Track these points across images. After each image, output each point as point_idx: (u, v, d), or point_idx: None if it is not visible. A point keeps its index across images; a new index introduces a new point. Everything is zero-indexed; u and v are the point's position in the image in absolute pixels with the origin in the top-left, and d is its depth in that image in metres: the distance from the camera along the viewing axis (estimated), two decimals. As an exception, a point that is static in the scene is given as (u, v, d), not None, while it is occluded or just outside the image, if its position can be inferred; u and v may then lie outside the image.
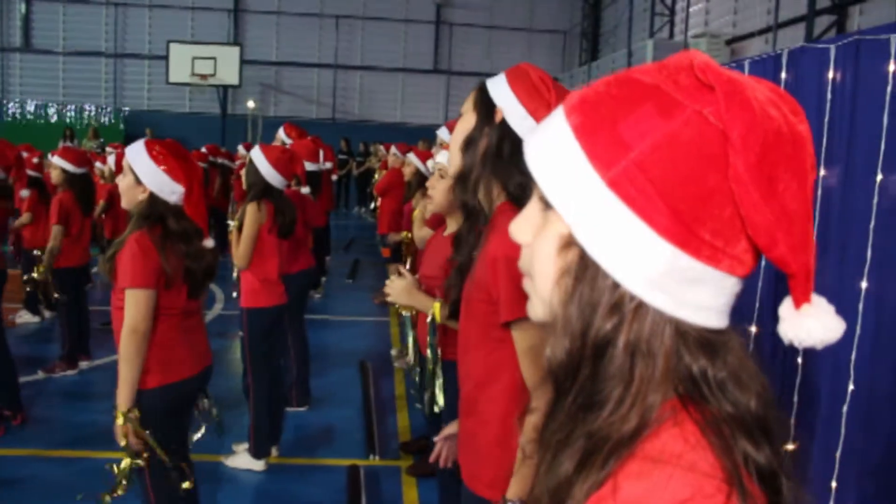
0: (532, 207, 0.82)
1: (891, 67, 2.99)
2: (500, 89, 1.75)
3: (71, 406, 5.16)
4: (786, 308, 0.75)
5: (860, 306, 3.00)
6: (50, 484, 4.00)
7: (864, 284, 2.99)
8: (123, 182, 2.79)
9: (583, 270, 0.73)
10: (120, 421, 2.67)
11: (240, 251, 4.09)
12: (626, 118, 0.72)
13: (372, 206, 8.09)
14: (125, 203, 2.82)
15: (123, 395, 2.67)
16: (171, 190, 2.73)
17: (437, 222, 3.67)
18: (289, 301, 4.45)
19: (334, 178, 10.00)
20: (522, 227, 0.83)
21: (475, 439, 1.80)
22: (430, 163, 4.42)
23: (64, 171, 5.65)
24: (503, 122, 1.72)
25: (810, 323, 0.73)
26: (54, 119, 19.51)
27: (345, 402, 5.38)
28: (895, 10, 9.52)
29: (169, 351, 2.79)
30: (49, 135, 17.41)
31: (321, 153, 6.24)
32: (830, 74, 3.31)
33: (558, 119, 0.77)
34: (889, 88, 2.98)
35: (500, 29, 21.90)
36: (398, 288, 2.52)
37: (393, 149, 8.18)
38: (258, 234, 4.10)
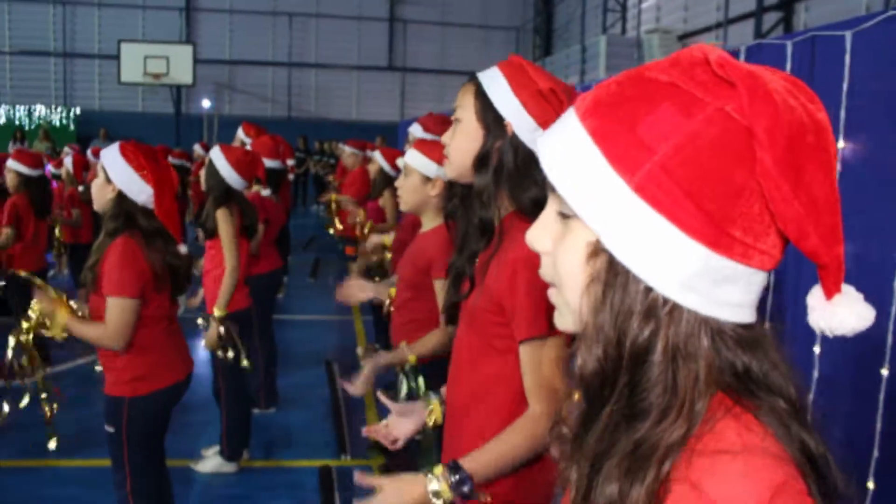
0: (549, 215, 0.81)
1: (846, 63, 3.09)
2: (502, 96, 1.65)
3: (32, 414, 5.05)
4: (815, 298, 0.74)
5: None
6: (12, 495, 3.92)
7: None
8: (96, 183, 2.77)
9: (613, 277, 0.72)
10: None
11: (229, 259, 3.98)
12: (645, 119, 0.70)
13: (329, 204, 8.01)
14: (97, 205, 2.80)
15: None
16: (139, 189, 2.70)
17: (411, 222, 3.67)
18: (256, 302, 4.43)
19: (291, 177, 9.90)
20: (540, 235, 0.82)
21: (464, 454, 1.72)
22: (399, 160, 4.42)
23: (18, 174, 5.55)
24: (513, 135, 1.64)
25: (842, 312, 0.73)
26: (2, 121, 18.96)
27: (312, 403, 5.36)
28: (839, 6, 9.75)
29: (160, 356, 2.80)
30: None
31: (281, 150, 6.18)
32: (788, 70, 3.40)
33: (572, 123, 0.76)
34: (845, 84, 3.07)
35: (453, 26, 21.92)
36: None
37: (348, 148, 7.95)
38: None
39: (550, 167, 0.76)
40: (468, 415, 1.72)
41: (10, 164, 5.61)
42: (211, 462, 4.24)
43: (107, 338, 2.65)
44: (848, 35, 3.09)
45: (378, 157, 5.50)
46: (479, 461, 1.52)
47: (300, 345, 6.70)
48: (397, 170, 4.93)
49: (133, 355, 2.73)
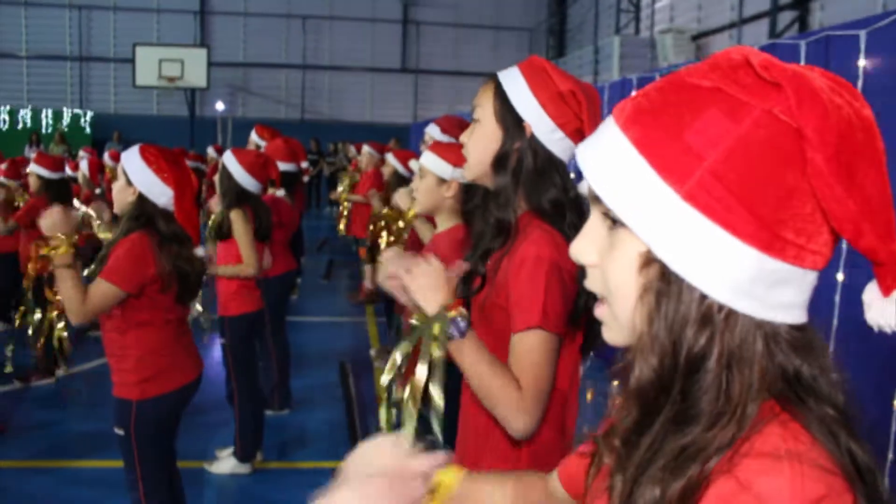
0: (594, 226, 0.80)
1: (861, 62, 3.07)
2: (521, 97, 1.64)
3: (49, 415, 5.10)
4: (871, 295, 0.74)
5: (836, 298, 3.07)
6: (28, 496, 3.94)
7: (839, 276, 3.06)
8: (116, 185, 2.78)
9: (666, 286, 0.72)
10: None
11: (246, 258, 4.02)
12: (691, 126, 0.70)
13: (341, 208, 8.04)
14: (117, 207, 2.81)
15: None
16: (159, 192, 2.71)
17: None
18: (270, 304, 4.44)
19: (305, 178, 9.93)
20: (585, 249, 0.80)
21: (479, 453, 1.72)
22: (413, 163, 4.38)
23: (40, 177, 5.59)
24: (532, 137, 1.64)
25: None
26: (20, 126, 19.12)
27: (326, 404, 5.37)
28: (855, 5, 9.68)
29: (169, 359, 2.80)
30: (14, 140, 17.13)
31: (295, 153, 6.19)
32: (802, 70, 3.38)
33: (614, 133, 0.75)
34: (860, 83, 3.05)
35: (466, 27, 21.93)
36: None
37: (366, 148, 8.05)
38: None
39: (595, 179, 0.75)
40: (481, 408, 1.69)
41: (32, 167, 5.64)
42: (225, 463, 4.26)
43: (79, 305, 2.60)
44: (862, 34, 3.07)
45: (391, 159, 5.51)
46: (481, 351, 1.49)
47: (314, 346, 6.71)
48: (411, 171, 4.93)
49: (141, 357, 2.73)
